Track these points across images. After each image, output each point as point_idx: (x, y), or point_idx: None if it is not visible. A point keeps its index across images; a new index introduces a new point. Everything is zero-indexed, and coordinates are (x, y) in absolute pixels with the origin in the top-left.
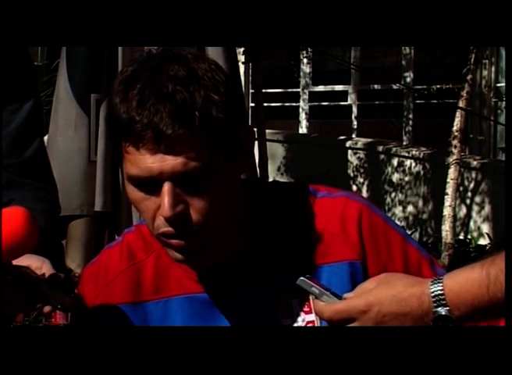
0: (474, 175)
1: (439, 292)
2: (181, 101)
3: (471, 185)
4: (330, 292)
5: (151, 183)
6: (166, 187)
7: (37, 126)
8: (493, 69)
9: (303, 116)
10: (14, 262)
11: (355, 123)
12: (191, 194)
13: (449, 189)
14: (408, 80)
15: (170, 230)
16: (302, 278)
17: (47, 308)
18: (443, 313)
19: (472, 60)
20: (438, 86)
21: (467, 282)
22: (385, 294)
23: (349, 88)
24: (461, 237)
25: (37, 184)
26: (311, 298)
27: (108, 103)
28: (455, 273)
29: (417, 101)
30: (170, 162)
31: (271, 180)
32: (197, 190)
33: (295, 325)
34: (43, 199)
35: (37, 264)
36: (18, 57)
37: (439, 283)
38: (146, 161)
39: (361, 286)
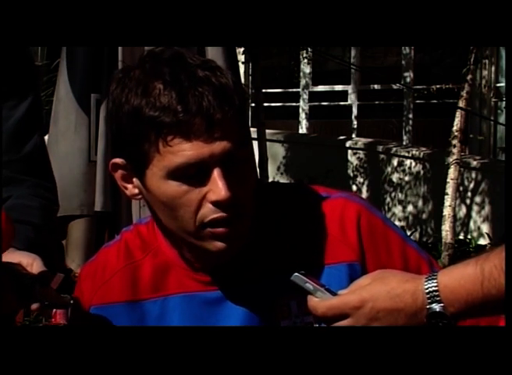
0: (474, 175)
1: (434, 288)
2: (218, 83)
3: (471, 185)
4: (324, 288)
5: (197, 173)
6: (217, 171)
7: (36, 122)
8: (493, 69)
9: (303, 116)
10: (5, 259)
11: (355, 123)
12: (235, 179)
13: (449, 189)
14: (408, 80)
15: (222, 216)
16: (296, 274)
17: (34, 306)
18: (437, 310)
19: (472, 60)
20: (438, 86)
21: (461, 278)
22: (380, 290)
23: (349, 88)
24: (461, 237)
25: (35, 181)
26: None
27: (126, 107)
28: (449, 270)
29: (417, 101)
30: (220, 144)
31: (271, 180)
32: (239, 175)
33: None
34: (41, 196)
35: (28, 261)
36: (17, 53)
37: (433, 279)
38: (195, 147)
39: (356, 282)
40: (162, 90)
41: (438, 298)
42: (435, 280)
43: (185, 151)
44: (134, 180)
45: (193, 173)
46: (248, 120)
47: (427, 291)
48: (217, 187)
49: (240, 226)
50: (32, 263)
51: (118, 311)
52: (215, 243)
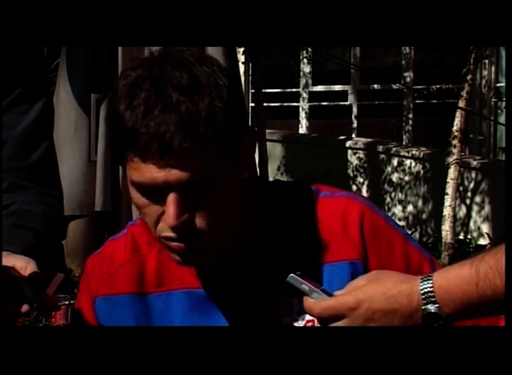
0: (474, 175)
1: (429, 289)
2: (185, 112)
3: (471, 185)
4: (320, 289)
5: (155, 192)
6: (171, 197)
7: (45, 129)
8: (493, 69)
9: (303, 116)
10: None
11: (355, 123)
12: (196, 202)
13: (449, 189)
14: (408, 80)
15: (172, 235)
16: (292, 275)
17: (24, 308)
18: (433, 310)
19: (472, 60)
20: (438, 86)
21: (456, 279)
22: (375, 290)
23: (349, 88)
24: (461, 237)
25: (41, 189)
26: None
27: (111, 108)
28: (444, 271)
29: (417, 101)
30: (176, 174)
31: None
32: (203, 198)
33: (295, 324)
34: (45, 204)
35: (22, 264)
36: (29, 57)
37: (428, 280)
38: (151, 171)
39: (352, 283)
40: (136, 104)
41: (433, 299)
42: (430, 281)
43: (141, 171)
44: None
45: (151, 191)
46: (236, 149)
47: (422, 291)
48: (168, 212)
49: (197, 247)
50: (26, 267)
51: (123, 302)
52: (173, 255)
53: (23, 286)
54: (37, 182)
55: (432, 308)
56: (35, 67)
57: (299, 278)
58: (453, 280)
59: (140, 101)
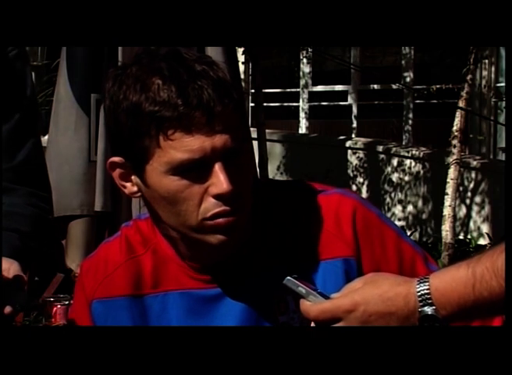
0: (474, 175)
1: (425, 291)
2: (216, 77)
3: (471, 185)
4: (317, 292)
5: (198, 167)
6: (218, 166)
7: (29, 129)
8: (493, 69)
9: (302, 116)
10: None
11: (355, 123)
12: (235, 172)
13: (449, 189)
14: (408, 79)
15: (224, 209)
16: (289, 278)
17: (7, 309)
18: (429, 313)
19: (472, 60)
20: (438, 86)
21: (452, 281)
22: (371, 293)
23: (349, 88)
24: (461, 237)
25: (28, 190)
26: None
27: (125, 104)
28: (441, 273)
29: (417, 101)
30: (221, 138)
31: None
32: (239, 168)
33: (291, 322)
34: (33, 205)
35: (5, 266)
36: (12, 58)
37: (425, 282)
38: (197, 141)
39: (348, 286)
40: (161, 85)
41: (430, 301)
42: (426, 283)
43: (187, 145)
44: (133, 177)
45: (195, 168)
46: (247, 115)
47: (419, 293)
48: (219, 180)
49: (240, 218)
50: (9, 268)
51: (120, 305)
52: (216, 236)
53: (4, 288)
54: (24, 184)
55: (428, 310)
56: (17, 68)
57: (295, 281)
58: (449, 282)
59: (165, 79)
